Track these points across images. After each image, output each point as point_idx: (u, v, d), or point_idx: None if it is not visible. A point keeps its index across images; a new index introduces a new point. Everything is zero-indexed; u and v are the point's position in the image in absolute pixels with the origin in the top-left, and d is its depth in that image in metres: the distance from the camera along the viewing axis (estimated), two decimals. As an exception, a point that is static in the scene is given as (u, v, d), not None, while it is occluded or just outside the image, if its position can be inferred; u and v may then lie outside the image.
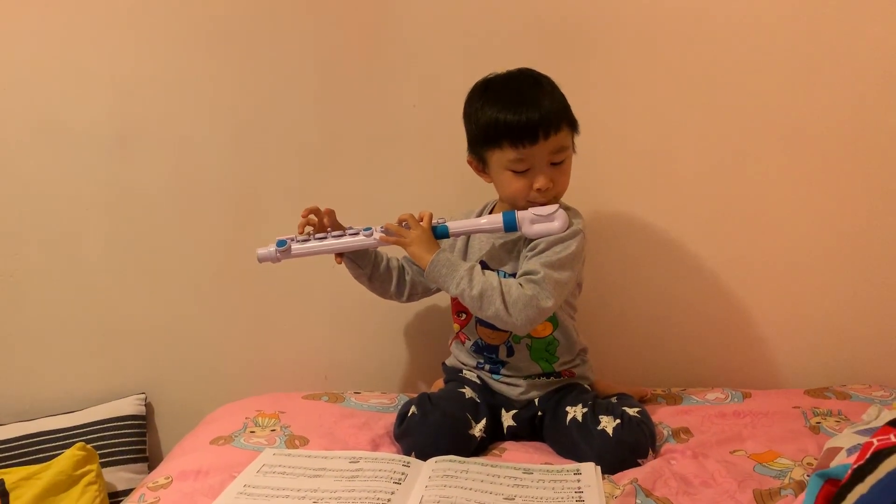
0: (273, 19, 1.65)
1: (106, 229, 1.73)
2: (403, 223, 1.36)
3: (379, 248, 1.47)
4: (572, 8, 1.59)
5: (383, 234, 1.35)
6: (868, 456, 0.87)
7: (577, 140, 1.39)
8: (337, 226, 1.41)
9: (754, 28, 1.56)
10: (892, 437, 0.89)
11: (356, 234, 1.37)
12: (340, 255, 1.42)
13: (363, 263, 1.45)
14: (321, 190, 1.68)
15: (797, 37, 1.55)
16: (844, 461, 0.94)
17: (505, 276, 1.34)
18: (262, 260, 1.38)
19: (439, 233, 1.37)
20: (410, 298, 1.53)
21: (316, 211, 1.40)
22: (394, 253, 1.50)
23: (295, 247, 1.37)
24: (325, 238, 1.38)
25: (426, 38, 1.63)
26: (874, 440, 0.89)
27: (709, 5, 1.57)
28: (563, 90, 1.37)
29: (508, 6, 1.60)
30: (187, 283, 1.75)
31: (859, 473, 0.85)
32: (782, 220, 1.61)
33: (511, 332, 1.39)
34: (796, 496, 1.07)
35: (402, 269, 1.50)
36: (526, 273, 1.30)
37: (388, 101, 1.65)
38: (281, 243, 1.37)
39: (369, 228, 1.37)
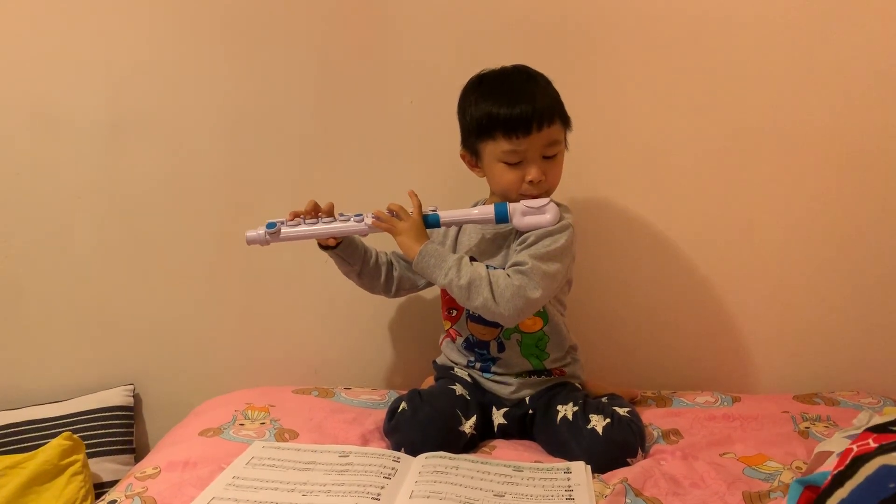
0: (270, 12, 1.65)
1: (97, 219, 1.72)
2: (392, 212, 1.36)
3: (368, 245, 1.48)
4: (570, 6, 1.60)
5: (375, 220, 1.36)
6: (848, 461, 0.88)
7: (573, 138, 1.40)
8: (331, 215, 1.40)
9: (751, 28, 1.57)
10: (870, 442, 0.90)
11: (347, 219, 1.38)
12: (331, 243, 1.42)
13: (353, 259, 1.45)
14: (316, 184, 1.68)
15: (795, 38, 1.56)
16: (832, 466, 0.94)
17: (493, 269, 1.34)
18: (250, 242, 1.38)
19: (430, 222, 1.37)
20: (398, 293, 1.54)
21: (316, 206, 1.40)
22: (382, 247, 1.50)
23: (285, 230, 1.37)
24: (315, 223, 1.38)
25: (425, 33, 1.63)
26: (853, 446, 0.91)
27: (706, 5, 1.57)
28: (561, 87, 1.38)
29: (506, 3, 1.61)
30: (178, 275, 1.74)
31: (839, 479, 0.86)
32: (775, 226, 1.62)
33: (502, 328, 1.40)
34: (784, 498, 1.08)
35: (390, 265, 1.51)
36: (514, 264, 1.31)
37: (386, 97, 1.65)
38: (271, 225, 1.36)
39: (360, 215, 1.37)
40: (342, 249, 1.43)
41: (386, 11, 1.63)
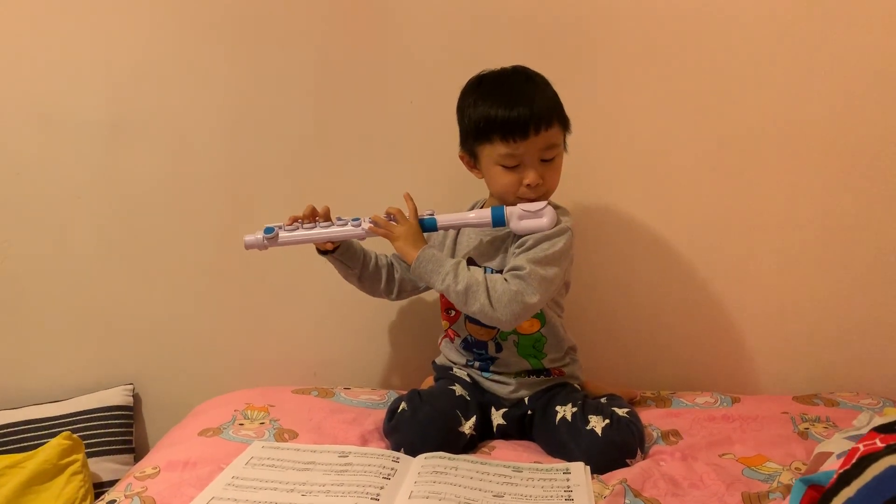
0: (270, 13, 1.65)
1: (97, 219, 1.72)
2: (390, 216, 1.36)
3: (368, 248, 1.48)
4: (571, 6, 1.60)
5: (371, 226, 1.36)
6: (854, 461, 0.88)
7: (572, 138, 1.40)
8: (328, 219, 1.40)
9: (751, 29, 1.57)
10: (877, 441, 0.90)
11: (344, 224, 1.38)
12: (329, 247, 1.42)
13: (352, 263, 1.45)
14: (316, 185, 1.68)
15: (795, 38, 1.56)
16: (834, 466, 0.94)
17: (491, 273, 1.34)
18: (248, 246, 1.38)
19: (427, 226, 1.37)
20: (400, 296, 1.54)
21: (314, 210, 1.40)
22: (382, 250, 1.50)
23: (283, 234, 1.37)
24: (313, 227, 1.38)
25: (425, 33, 1.63)
26: (860, 445, 0.91)
27: (706, 5, 1.57)
28: (560, 88, 1.37)
29: (507, 3, 1.60)
30: (178, 275, 1.74)
31: (845, 478, 0.86)
32: (775, 227, 1.62)
33: (498, 329, 1.39)
34: (784, 499, 1.08)
35: (390, 267, 1.51)
36: (512, 269, 1.30)
37: (386, 97, 1.65)
38: (269, 230, 1.36)
39: (357, 219, 1.37)
40: (341, 254, 1.43)
41: (386, 12, 1.63)
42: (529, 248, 1.31)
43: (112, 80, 1.68)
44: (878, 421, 1.06)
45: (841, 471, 0.87)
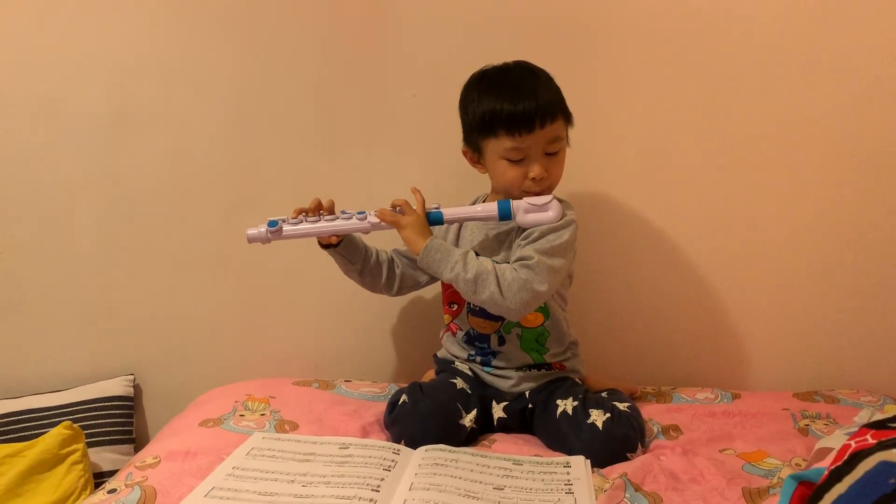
0: (273, 5, 1.65)
1: (99, 211, 1.72)
2: (397, 208, 1.36)
3: (368, 244, 1.47)
4: (573, 1, 1.59)
5: (378, 217, 1.35)
6: (846, 457, 0.87)
7: (576, 134, 1.40)
8: (333, 212, 1.40)
9: (755, 24, 1.57)
10: (868, 438, 0.90)
11: (349, 217, 1.37)
12: (334, 241, 1.42)
13: (354, 259, 1.45)
14: (318, 177, 1.68)
15: (800, 35, 1.56)
16: (826, 463, 0.94)
17: None
18: (251, 240, 1.36)
19: (433, 219, 1.37)
20: (400, 292, 1.54)
21: (319, 203, 1.39)
22: (383, 246, 1.50)
23: (286, 228, 1.36)
24: (317, 221, 1.37)
25: (427, 27, 1.63)
26: (852, 442, 0.90)
27: (708, 3, 1.57)
28: (563, 83, 1.38)
29: (508, -1, 1.61)
30: (179, 266, 1.74)
31: (837, 474, 0.85)
32: (777, 224, 1.62)
33: (502, 322, 1.39)
34: (784, 495, 1.08)
35: (391, 262, 1.51)
36: (520, 258, 1.31)
37: (388, 91, 1.65)
38: (272, 223, 1.35)
39: (363, 212, 1.36)
40: (343, 248, 1.43)
41: (388, 5, 1.63)
42: (536, 240, 1.32)
43: (114, 72, 1.67)
44: (879, 418, 1.06)
45: (832, 467, 0.87)
